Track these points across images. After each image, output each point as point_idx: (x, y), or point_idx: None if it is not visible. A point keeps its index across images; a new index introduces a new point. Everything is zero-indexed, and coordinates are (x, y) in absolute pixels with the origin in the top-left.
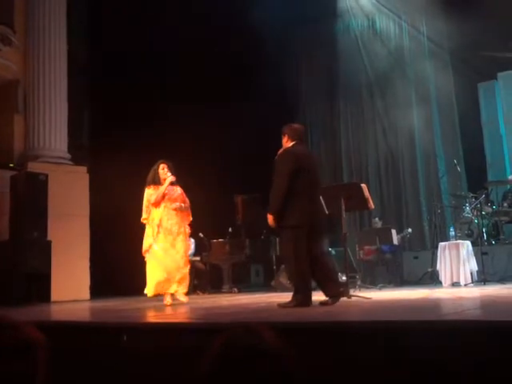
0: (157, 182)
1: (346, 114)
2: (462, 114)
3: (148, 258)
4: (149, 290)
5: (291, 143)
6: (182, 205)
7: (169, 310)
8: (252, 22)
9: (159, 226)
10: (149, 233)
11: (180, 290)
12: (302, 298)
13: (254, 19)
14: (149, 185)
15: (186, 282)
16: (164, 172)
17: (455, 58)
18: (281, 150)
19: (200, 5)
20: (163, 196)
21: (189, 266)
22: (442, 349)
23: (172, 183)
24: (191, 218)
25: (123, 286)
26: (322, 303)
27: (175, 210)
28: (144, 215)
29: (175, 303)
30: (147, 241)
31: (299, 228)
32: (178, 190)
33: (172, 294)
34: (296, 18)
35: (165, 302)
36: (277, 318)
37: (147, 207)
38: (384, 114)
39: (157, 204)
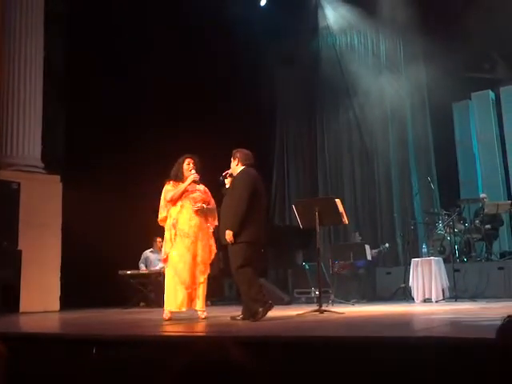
0: (180, 178)
1: (322, 130)
2: (436, 133)
3: (167, 268)
4: (166, 305)
5: (242, 167)
6: (204, 205)
7: (138, 323)
8: (229, 36)
9: (175, 226)
10: (167, 237)
11: (198, 304)
12: (264, 309)
13: (232, 34)
14: (169, 180)
15: (203, 294)
16: (189, 168)
17: (430, 77)
18: (239, 172)
19: (178, 14)
20: (181, 194)
21: (205, 276)
22: (412, 363)
23: (195, 181)
24: (216, 223)
25: (94, 297)
26: (233, 318)
27: (196, 212)
28: (160, 215)
29: (186, 318)
30: (166, 246)
31: (253, 244)
32: (201, 188)
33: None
34: (274, 32)
35: (163, 316)
36: (246, 333)
37: (165, 206)
38: (360, 130)
39: (173, 202)
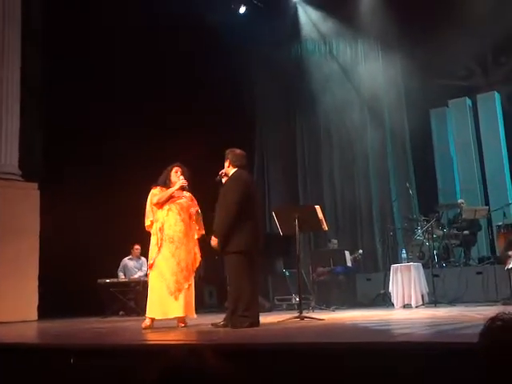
0: (167, 185)
1: (301, 138)
2: (414, 139)
3: (152, 274)
4: (149, 312)
5: (234, 169)
6: (193, 210)
7: (117, 332)
8: (208, 45)
9: (161, 230)
10: (153, 241)
11: (183, 310)
12: (253, 318)
13: (211, 42)
14: (156, 185)
15: (187, 302)
16: (177, 175)
17: (408, 84)
18: (231, 175)
19: (157, 26)
20: (167, 199)
21: (190, 283)
22: (393, 369)
23: (183, 188)
24: (203, 232)
25: (73, 306)
26: (214, 325)
27: (182, 220)
28: (147, 221)
29: (169, 325)
30: (152, 251)
31: (246, 253)
32: (188, 195)
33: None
34: (253, 39)
35: (143, 324)
36: (225, 340)
37: (151, 210)
38: (340, 136)
39: (159, 205)
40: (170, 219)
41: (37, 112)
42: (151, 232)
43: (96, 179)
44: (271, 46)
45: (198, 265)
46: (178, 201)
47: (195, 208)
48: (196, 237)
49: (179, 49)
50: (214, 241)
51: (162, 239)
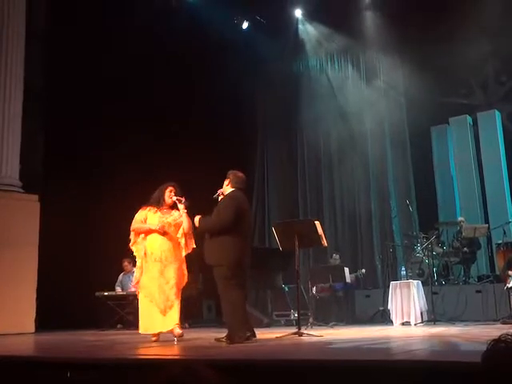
0: (161, 204)
1: (302, 154)
2: (415, 156)
3: (140, 296)
4: (141, 328)
5: (231, 189)
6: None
7: (114, 346)
8: (211, 58)
9: (146, 254)
10: (138, 264)
11: (170, 324)
12: (249, 331)
13: (214, 56)
14: (146, 205)
15: (177, 316)
16: (170, 195)
17: (410, 101)
18: (227, 193)
19: (157, 40)
20: (145, 232)
21: (179, 300)
22: None
23: (179, 201)
24: (194, 246)
25: (71, 318)
26: (217, 340)
27: (170, 237)
28: (132, 239)
29: (166, 339)
30: (137, 272)
31: (236, 267)
32: (177, 214)
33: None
34: (256, 54)
35: (153, 338)
36: (221, 356)
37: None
38: (340, 152)
39: (136, 233)
40: (156, 239)
41: (38, 121)
42: (135, 253)
43: (95, 192)
44: (273, 60)
45: (186, 280)
46: (167, 220)
47: (182, 230)
48: (184, 254)
49: (180, 62)
50: (196, 222)
51: (146, 262)
